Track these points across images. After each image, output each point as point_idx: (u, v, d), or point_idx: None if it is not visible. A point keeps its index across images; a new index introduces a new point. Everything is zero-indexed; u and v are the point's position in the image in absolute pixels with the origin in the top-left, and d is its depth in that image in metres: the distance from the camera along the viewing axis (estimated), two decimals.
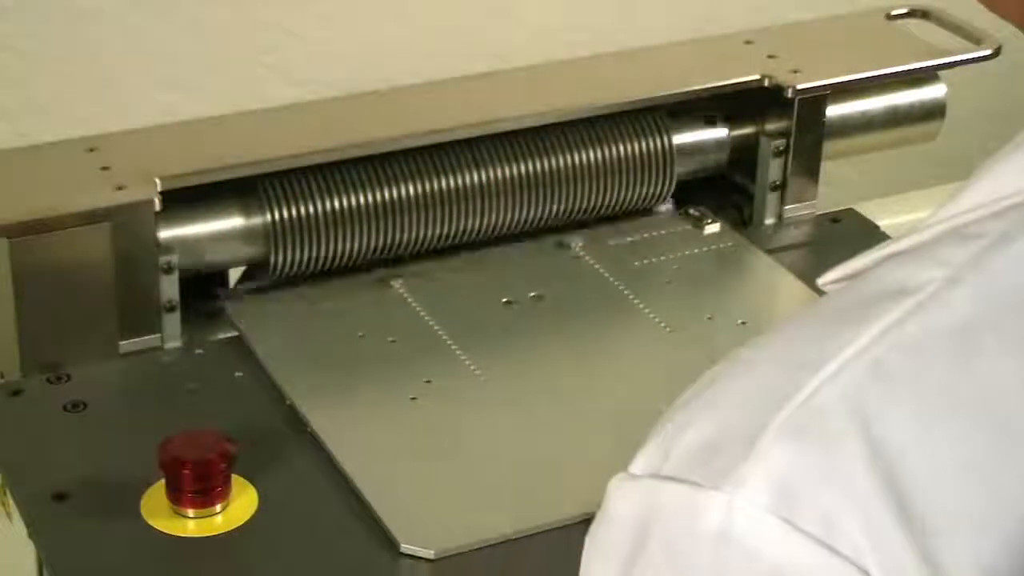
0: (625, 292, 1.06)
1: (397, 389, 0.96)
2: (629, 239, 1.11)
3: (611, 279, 1.07)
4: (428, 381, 0.97)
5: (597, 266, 1.08)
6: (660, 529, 0.50)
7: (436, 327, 1.01)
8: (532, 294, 1.05)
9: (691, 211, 1.14)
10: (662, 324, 1.03)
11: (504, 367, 0.98)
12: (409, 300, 1.04)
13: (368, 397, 0.96)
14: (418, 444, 0.92)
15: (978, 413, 0.50)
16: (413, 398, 0.95)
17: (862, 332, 0.51)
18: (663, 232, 1.13)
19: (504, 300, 1.05)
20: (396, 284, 1.05)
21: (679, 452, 0.51)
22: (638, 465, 0.52)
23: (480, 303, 1.04)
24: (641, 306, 1.04)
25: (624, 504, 0.52)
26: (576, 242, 1.10)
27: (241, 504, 0.87)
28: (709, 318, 1.04)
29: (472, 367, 0.98)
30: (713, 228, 1.12)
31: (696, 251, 1.11)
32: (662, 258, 1.10)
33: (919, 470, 0.49)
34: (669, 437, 0.52)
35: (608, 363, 1.00)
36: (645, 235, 1.12)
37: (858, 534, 0.48)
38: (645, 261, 1.09)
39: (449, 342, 1.00)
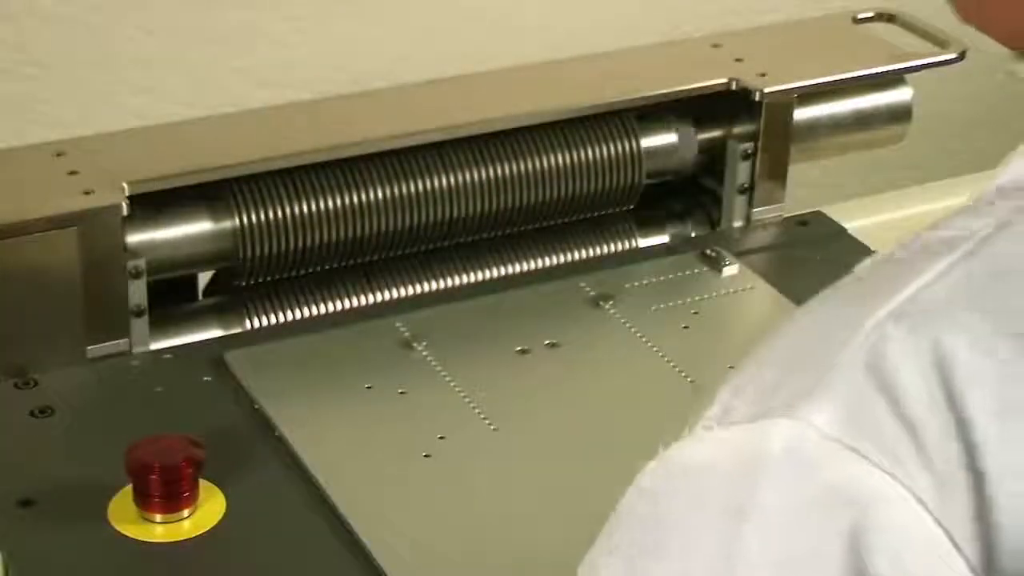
0: (642, 338, 1.02)
1: (409, 444, 0.93)
2: (645, 282, 1.07)
3: (627, 325, 1.03)
4: (442, 437, 0.93)
5: (613, 311, 1.04)
6: (742, 468, 0.52)
7: (447, 377, 0.98)
8: (547, 342, 1.02)
9: (708, 252, 1.10)
10: (682, 373, 0.99)
11: (518, 420, 0.94)
12: (419, 348, 1.00)
13: (378, 451, 0.92)
14: (427, 500, 0.89)
15: None
16: (427, 455, 0.92)
17: (924, 273, 0.53)
18: (680, 274, 1.09)
19: (518, 349, 1.01)
20: (405, 331, 1.01)
21: (747, 398, 0.54)
22: (704, 422, 0.54)
23: (493, 351, 1.00)
24: (659, 353, 1.00)
25: (703, 453, 0.54)
26: (591, 287, 1.06)
27: (209, 509, 0.87)
28: (731, 367, 1.00)
29: (485, 419, 0.94)
30: (732, 270, 1.09)
31: (714, 294, 1.07)
32: (679, 302, 1.06)
33: (984, 402, 0.50)
34: (732, 392, 0.54)
35: (628, 416, 0.95)
36: (661, 278, 1.08)
37: (914, 466, 0.50)
38: (662, 305, 1.05)
39: (461, 392, 0.96)
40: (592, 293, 1.06)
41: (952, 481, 0.50)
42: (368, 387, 0.97)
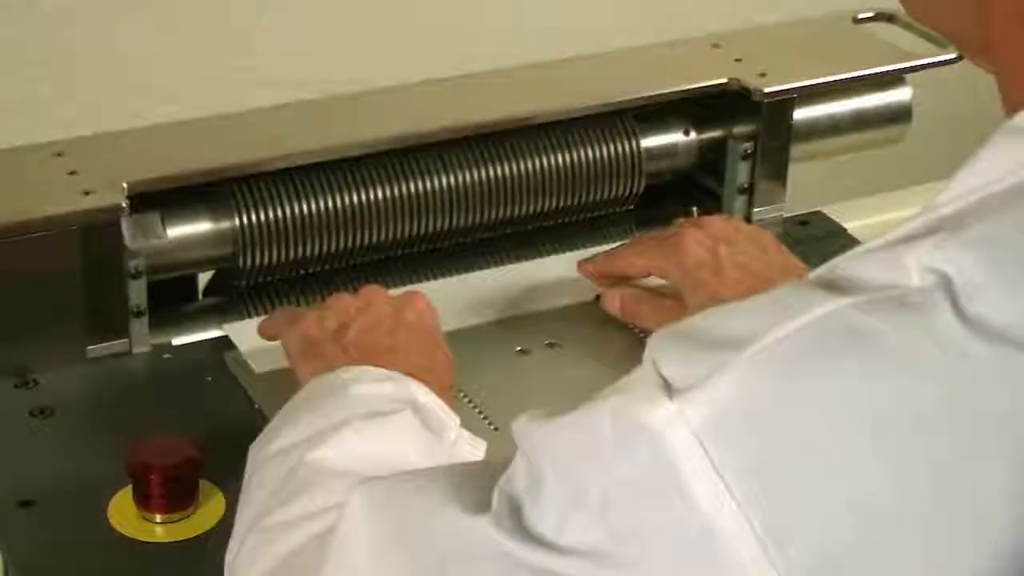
0: (641, 336, 1.01)
1: None
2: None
3: (626, 323, 1.02)
4: None
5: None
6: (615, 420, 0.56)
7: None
8: (547, 342, 1.02)
9: None
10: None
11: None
12: None
13: None
14: None
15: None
16: None
17: (822, 303, 0.54)
18: None
19: (518, 349, 1.01)
20: None
21: (643, 377, 0.57)
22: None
23: (493, 351, 1.00)
24: None
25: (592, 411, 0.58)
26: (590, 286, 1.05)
27: (209, 509, 0.87)
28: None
29: (484, 419, 0.94)
30: None
31: None
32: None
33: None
34: (647, 361, 0.57)
35: None
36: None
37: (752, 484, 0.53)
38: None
39: (461, 392, 0.96)
40: (592, 293, 1.05)
41: None
42: None
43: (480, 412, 0.95)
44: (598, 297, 1.04)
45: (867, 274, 0.54)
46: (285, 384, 0.96)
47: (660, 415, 0.54)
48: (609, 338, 1.02)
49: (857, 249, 0.56)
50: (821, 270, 0.56)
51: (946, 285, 0.53)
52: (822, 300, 0.54)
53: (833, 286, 0.55)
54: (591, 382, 0.95)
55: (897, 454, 0.52)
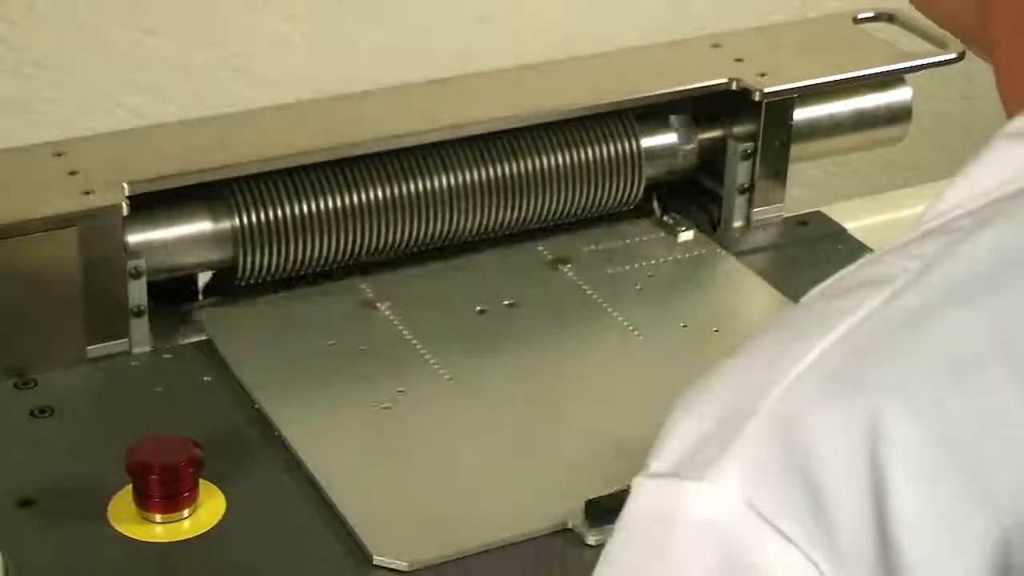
0: (598, 300, 1.05)
1: (369, 397, 0.96)
2: (603, 246, 1.11)
3: (584, 287, 1.07)
4: (401, 391, 0.96)
5: (571, 274, 1.08)
6: (646, 522, 0.52)
7: (408, 335, 1.01)
8: (506, 302, 1.05)
9: (665, 218, 1.14)
10: (635, 332, 1.03)
11: (477, 375, 0.98)
12: (381, 308, 1.03)
13: (340, 405, 0.96)
14: (391, 454, 0.92)
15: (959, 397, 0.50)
16: (386, 407, 0.95)
17: (837, 324, 0.52)
18: (637, 239, 1.12)
19: (478, 309, 1.04)
20: (368, 292, 1.05)
21: (668, 450, 0.53)
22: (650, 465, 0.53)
23: (453, 311, 1.04)
24: (614, 314, 1.04)
25: (633, 504, 0.53)
26: (550, 250, 1.10)
27: (209, 509, 0.87)
28: (683, 326, 1.03)
29: (445, 375, 0.98)
30: (687, 236, 1.12)
31: (670, 258, 1.10)
32: (635, 265, 1.09)
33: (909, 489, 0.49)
34: (664, 436, 0.53)
35: (582, 371, 1.00)
36: (619, 243, 1.12)
37: (812, 526, 0.49)
38: (618, 268, 1.09)
39: (422, 350, 1.00)
40: (552, 257, 1.09)
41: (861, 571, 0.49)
42: (369, 388, 0.97)
43: (440, 370, 0.97)
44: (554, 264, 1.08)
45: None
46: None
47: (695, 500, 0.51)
48: (566, 298, 1.05)
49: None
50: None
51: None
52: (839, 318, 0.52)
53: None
54: (548, 341, 1.00)
55: None
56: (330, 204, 1.04)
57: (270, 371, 0.97)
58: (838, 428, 0.50)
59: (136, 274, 0.98)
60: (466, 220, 1.08)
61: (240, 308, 1.03)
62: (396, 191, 1.05)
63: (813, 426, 0.50)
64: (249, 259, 1.02)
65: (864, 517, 0.49)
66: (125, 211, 0.97)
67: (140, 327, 0.99)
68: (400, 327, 1.02)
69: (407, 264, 1.08)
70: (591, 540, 0.85)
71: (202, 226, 1.02)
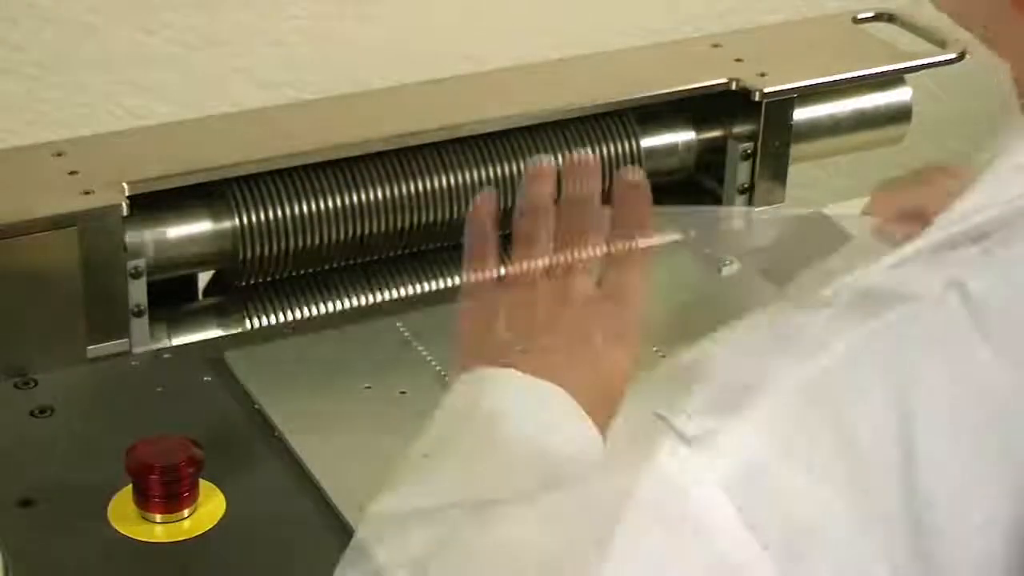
0: None
1: (370, 398, 0.95)
2: None
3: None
4: (403, 392, 0.96)
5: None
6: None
7: (409, 335, 1.01)
8: None
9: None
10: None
11: None
12: (418, 347, 1.01)
13: (341, 405, 0.95)
14: (391, 454, 0.91)
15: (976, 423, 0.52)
16: (388, 408, 0.94)
17: (854, 330, 0.54)
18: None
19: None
20: (405, 331, 1.03)
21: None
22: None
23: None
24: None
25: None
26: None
27: (209, 509, 0.87)
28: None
29: (444, 374, 0.97)
30: (731, 269, 1.09)
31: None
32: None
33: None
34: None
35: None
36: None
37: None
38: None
39: (422, 350, 0.99)
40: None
41: None
42: (367, 387, 0.97)
43: (444, 374, 0.96)
44: None
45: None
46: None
47: (683, 469, 0.53)
48: None
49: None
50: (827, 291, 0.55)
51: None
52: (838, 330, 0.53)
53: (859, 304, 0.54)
54: None
55: None
56: (330, 204, 1.04)
57: (307, 413, 0.95)
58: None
59: (136, 274, 0.98)
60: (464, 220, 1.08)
61: (272, 349, 1.01)
62: (396, 191, 1.05)
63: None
64: (249, 259, 1.02)
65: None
66: (125, 211, 0.97)
67: (140, 327, 0.99)
68: (403, 330, 1.02)
69: (408, 269, 1.07)
70: None
71: (202, 226, 1.02)
